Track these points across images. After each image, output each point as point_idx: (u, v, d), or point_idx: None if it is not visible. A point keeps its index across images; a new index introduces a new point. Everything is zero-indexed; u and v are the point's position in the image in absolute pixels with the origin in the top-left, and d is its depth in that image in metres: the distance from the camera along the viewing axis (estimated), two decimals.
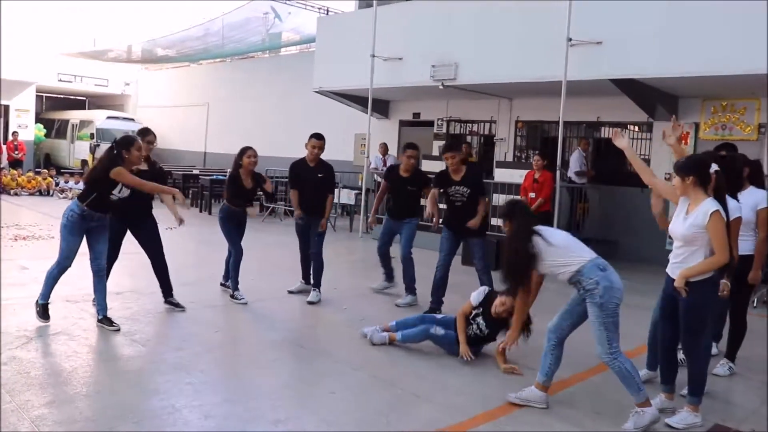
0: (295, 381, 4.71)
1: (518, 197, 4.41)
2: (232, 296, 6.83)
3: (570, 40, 9.64)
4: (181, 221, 6.27)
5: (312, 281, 7.14)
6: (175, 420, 3.83)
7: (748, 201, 5.12)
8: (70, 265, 5.60)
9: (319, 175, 7.09)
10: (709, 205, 4.03)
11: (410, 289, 7.26)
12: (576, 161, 11.66)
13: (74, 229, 5.47)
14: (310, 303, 6.96)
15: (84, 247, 5.64)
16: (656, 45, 9.53)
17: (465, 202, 6.75)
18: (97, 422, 3.73)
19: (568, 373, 5.08)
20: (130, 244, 6.42)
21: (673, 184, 4.24)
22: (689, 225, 4.07)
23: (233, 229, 6.97)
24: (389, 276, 7.73)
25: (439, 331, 5.34)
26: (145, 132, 6.42)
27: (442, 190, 6.93)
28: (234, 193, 6.92)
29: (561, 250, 4.17)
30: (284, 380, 4.72)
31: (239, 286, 6.88)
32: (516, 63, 10.96)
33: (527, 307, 4.74)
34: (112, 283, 6.57)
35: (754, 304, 7.91)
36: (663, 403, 4.40)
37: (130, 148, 5.47)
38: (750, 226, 5.14)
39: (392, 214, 7.59)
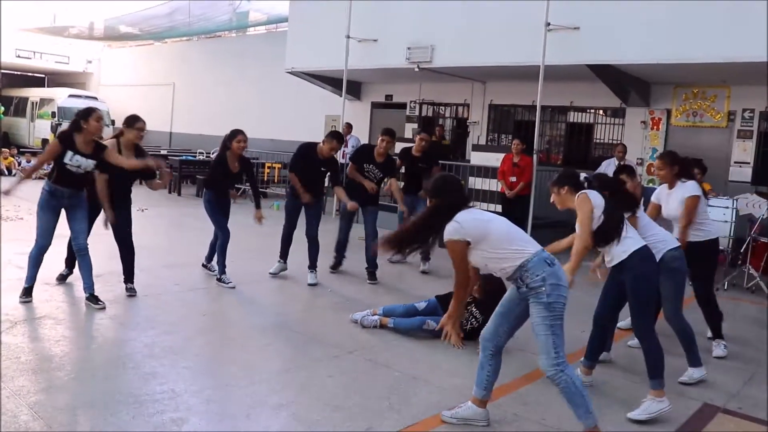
0: (290, 365, 4.68)
1: (447, 174, 3.80)
2: (219, 279, 6.75)
3: (548, 24, 9.68)
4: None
5: (309, 263, 7.15)
6: (177, 404, 3.78)
7: (678, 195, 5.31)
8: (48, 244, 5.56)
9: (322, 169, 7.12)
10: (579, 193, 4.14)
11: (427, 256, 8.06)
12: (604, 168, 10.37)
13: (45, 207, 5.46)
14: (311, 285, 7.02)
15: (64, 229, 5.61)
16: (632, 31, 9.66)
17: (373, 180, 7.59)
18: (97, 407, 3.67)
19: None
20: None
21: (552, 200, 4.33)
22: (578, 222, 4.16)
23: (219, 211, 6.88)
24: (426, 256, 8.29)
25: (432, 324, 5.35)
26: (134, 119, 5.99)
27: (359, 165, 7.58)
28: (220, 175, 6.82)
29: (498, 241, 3.53)
30: (280, 364, 4.70)
31: (226, 269, 6.82)
32: (493, 47, 10.99)
33: (464, 293, 3.77)
34: (93, 265, 6.47)
35: (725, 287, 8.13)
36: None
37: (88, 118, 5.39)
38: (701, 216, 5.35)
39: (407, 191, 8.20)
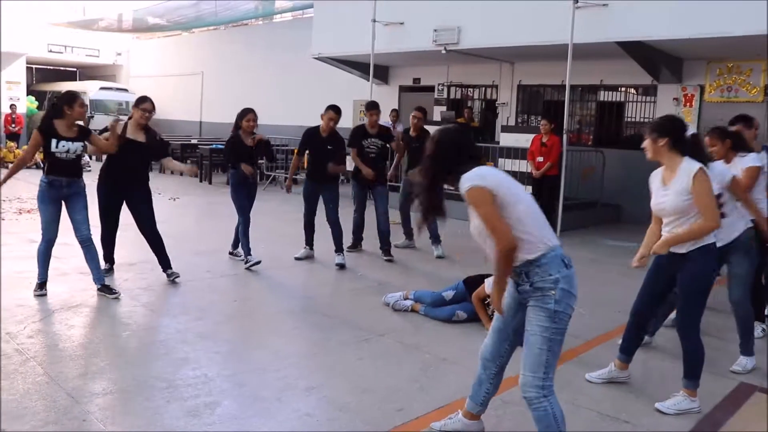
0: (320, 348, 4.71)
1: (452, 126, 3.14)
2: (246, 262, 6.83)
3: (576, 1, 9.51)
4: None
5: (335, 248, 7.22)
6: (210, 389, 3.83)
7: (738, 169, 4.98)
8: (55, 237, 5.53)
9: (329, 147, 7.15)
10: (690, 164, 3.63)
11: (437, 239, 7.97)
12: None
13: (45, 199, 5.41)
14: (339, 266, 7.09)
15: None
16: (662, 7, 9.43)
17: (378, 154, 7.71)
18: (133, 392, 3.74)
19: (592, 334, 5.15)
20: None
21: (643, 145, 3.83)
22: (676, 193, 3.67)
23: (244, 196, 6.95)
24: (409, 234, 8.39)
25: (462, 315, 5.35)
26: (141, 100, 6.12)
27: (359, 146, 7.69)
28: (234, 151, 6.90)
29: (524, 215, 2.86)
30: (309, 348, 4.73)
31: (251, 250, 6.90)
32: (521, 26, 10.84)
33: (508, 267, 2.88)
34: (125, 254, 6.62)
35: None
36: (612, 373, 4.24)
37: (73, 104, 5.33)
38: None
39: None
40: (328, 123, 7.08)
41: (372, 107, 7.77)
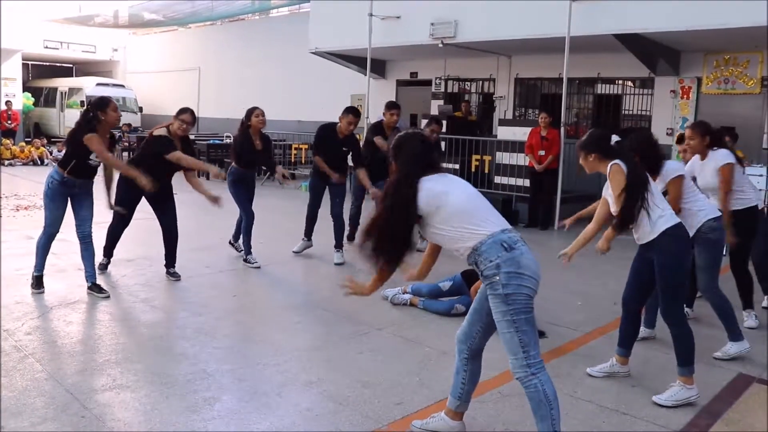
0: (320, 343, 4.71)
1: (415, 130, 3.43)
2: (245, 260, 6.82)
3: None
4: (214, 200, 6.03)
5: (335, 243, 7.19)
6: (209, 384, 3.83)
7: (711, 165, 5.14)
8: (57, 232, 5.51)
9: (344, 149, 7.11)
10: (611, 164, 3.79)
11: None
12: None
13: (56, 197, 5.38)
14: (337, 264, 7.02)
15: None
16: None
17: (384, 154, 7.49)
18: (132, 388, 3.74)
19: (590, 327, 5.16)
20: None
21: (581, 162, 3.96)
22: (610, 196, 3.87)
23: (242, 193, 6.93)
24: None
25: (461, 308, 5.33)
26: (181, 111, 6.03)
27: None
28: (246, 156, 6.84)
29: (451, 216, 2.99)
30: (310, 342, 4.73)
31: (252, 250, 6.87)
32: (518, 19, 10.82)
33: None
34: (123, 250, 6.59)
35: None
36: (613, 367, 4.23)
37: (106, 109, 5.27)
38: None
39: None
40: (348, 127, 6.96)
41: (392, 106, 7.75)
